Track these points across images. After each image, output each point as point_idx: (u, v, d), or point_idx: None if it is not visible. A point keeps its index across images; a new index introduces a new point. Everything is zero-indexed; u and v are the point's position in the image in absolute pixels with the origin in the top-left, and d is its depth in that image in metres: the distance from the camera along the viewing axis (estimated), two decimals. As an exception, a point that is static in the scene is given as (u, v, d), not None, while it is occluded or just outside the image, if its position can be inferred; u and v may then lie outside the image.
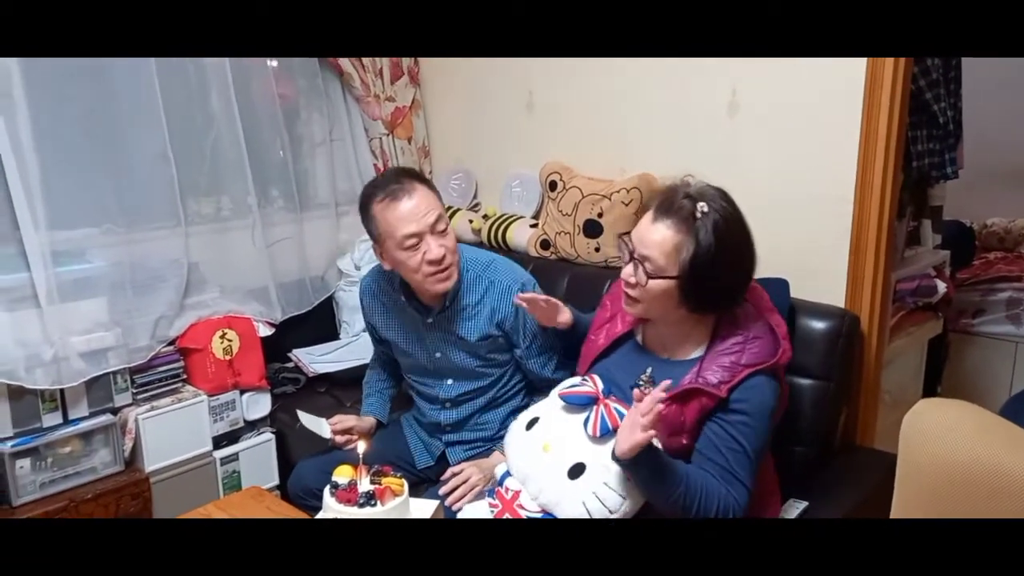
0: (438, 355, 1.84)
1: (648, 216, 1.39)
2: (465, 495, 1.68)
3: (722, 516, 1.32)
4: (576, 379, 1.53)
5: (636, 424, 1.24)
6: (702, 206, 1.33)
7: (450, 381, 1.85)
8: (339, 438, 1.82)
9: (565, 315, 1.68)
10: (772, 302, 1.52)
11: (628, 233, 1.43)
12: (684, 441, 1.40)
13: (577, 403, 1.46)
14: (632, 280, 1.39)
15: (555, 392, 1.52)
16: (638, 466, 1.29)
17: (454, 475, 1.72)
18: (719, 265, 1.33)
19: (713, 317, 1.44)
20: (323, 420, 1.83)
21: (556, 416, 1.49)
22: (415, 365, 1.90)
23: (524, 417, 1.54)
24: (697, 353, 1.44)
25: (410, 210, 1.65)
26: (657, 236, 1.35)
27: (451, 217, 2.60)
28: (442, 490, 1.70)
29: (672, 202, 1.36)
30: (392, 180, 1.70)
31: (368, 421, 1.92)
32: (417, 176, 1.75)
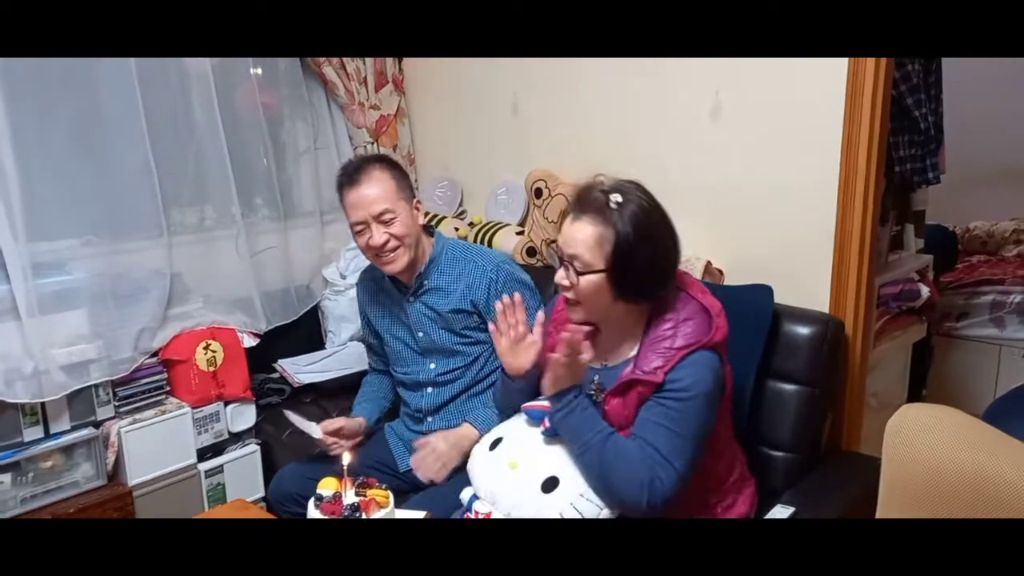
0: (420, 334, 1.91)
1: (569, 217, 1.43)
2: (431, 465, 1.75)
3: (642, 491, 1.32)
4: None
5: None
6: (615, 197, 1.37)
7: (432, 364, 1.92)
8: (328, 439, 1.82)
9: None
10: (755, 308, 1.55)
11: (556, 241, 1.45)
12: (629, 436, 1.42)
13: (539, 416, 1.47)
14: (565, 282, 1.43)
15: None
16: (560, 401, 1.39)
17: (421, 447, 1.79)
18: (641, 250, 1.37)
19: (647, 311, 1.45)
20: (312, 424, 1.84)
21: (520, 433, 1.50)
22: (401, 351, 1.95)
23: (487, 439, 1.54)
24: (634, 351, 1.45)
25: (358, 199, 1.78)
26: (579, 233, 1.39)
27: (437, 224, 2.60)
28: (411, 460, 1.78)
29: (587, 199, 1.41)
30: (354, 166, 1.83)
31: (358, 420, 1.92)
32: (380, 162, 1.84)
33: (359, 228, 1.80)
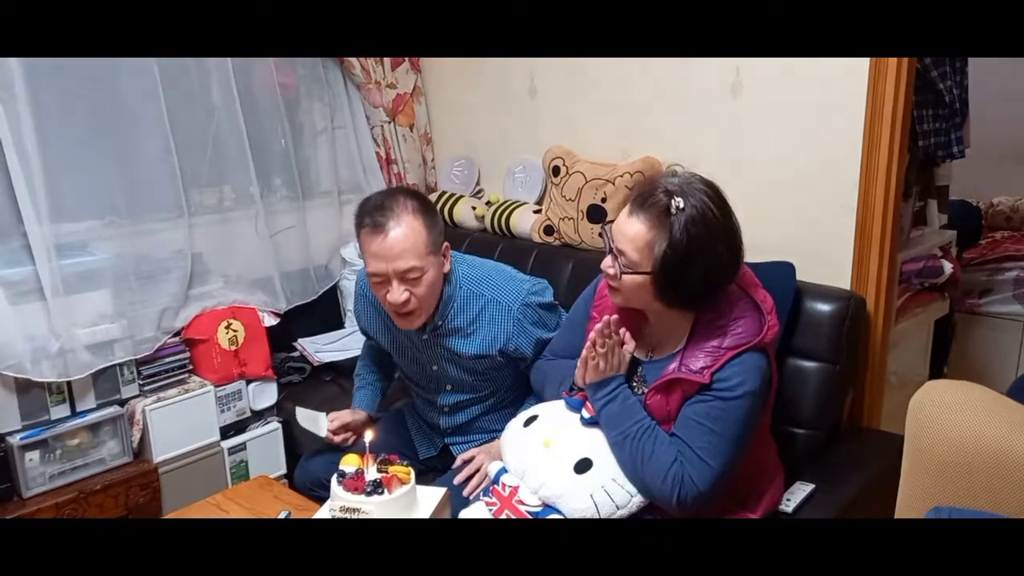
0: (434, 368, 1.81)
1: (626, 209, 1.36)
2: (480, 483, 1.66)
3: (672, 487, 1.32)
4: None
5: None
6: (677, 202, 1.29)
7: (449, 387, 1.83)
8: (337, 438, 1.80)
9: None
10: (777, 286, 1.51)
11: (611, 222, 1.41)
12: (670, 431, 1.40)
13: (578, 405, 1.46)
14: (610, 271, 1.38)
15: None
16: (602, 390, 1.39)
17: (465, 463, 1.71)
18: (692, 263, 1.29)
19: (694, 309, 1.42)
20: (321, 415, 1.81)
21: (556, 413, 1.50)
22: (413, 370, 1.88)
23: (522, 415, 1.53)
24: (680, 345, 1.41)
25: (382, 249, 1.55)
26: (631, 231, 1.33)
27: (454, 204, 2.60)
28: (457, 479, 1.68)
29: (649, 196, 1.32)
30: (380, 205, 1.58)
31: (361, 415, 1.90)
32: (412, 201, 1.60)
33: (376, 280, 1.60)
